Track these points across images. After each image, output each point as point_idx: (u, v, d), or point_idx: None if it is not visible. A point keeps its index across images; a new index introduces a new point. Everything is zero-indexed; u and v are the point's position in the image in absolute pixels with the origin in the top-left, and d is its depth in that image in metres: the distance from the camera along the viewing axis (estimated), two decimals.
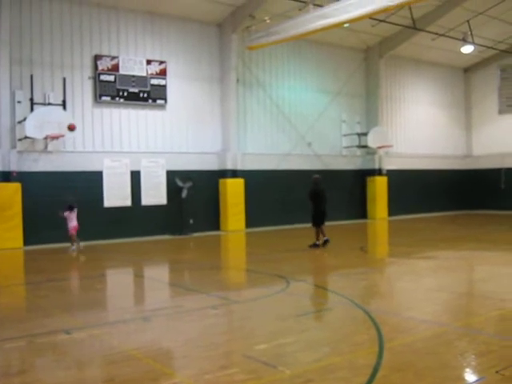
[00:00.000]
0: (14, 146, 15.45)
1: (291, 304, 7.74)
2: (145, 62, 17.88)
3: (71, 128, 15.41)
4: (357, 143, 23.28)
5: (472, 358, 5.11)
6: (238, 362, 5.15)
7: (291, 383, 4.51)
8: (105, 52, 17.22)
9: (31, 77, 15.80)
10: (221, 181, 19.34)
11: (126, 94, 17.41)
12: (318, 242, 13.93)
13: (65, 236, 14.43)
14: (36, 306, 7.96)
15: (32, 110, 15.59)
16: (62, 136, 15.54)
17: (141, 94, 17.72)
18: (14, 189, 15.11)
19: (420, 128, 26.20)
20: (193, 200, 18.38)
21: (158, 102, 18.13)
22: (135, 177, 17.70)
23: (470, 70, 28.26)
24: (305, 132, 21.93)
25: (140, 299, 8.97)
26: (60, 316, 7.21)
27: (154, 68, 18.04)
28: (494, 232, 18.27)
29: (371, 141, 22.76)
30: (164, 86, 18.22)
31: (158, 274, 11.45)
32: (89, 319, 6.96)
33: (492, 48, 24.32)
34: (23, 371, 5.03)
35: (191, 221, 18.54)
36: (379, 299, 8.15)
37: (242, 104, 20.19)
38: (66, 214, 14.19)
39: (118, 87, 17.26)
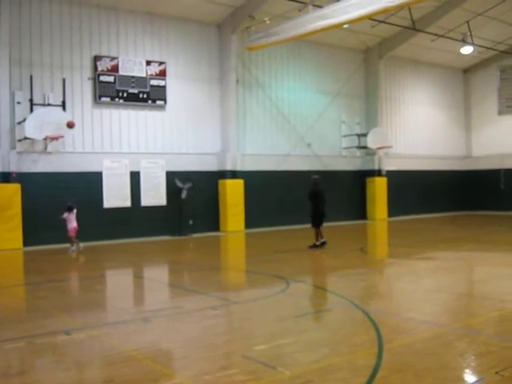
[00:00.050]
0: (13, 147, 15.45)
1: (291, 305, 7.75)
2: (144, 63, 17.88)
3: (70, 125, 15.39)
4: (356, 144, 23.28)
5: (472, 358, 5.11)
6: (237, 362, 5.15)
7: None
8: (104, 53, 17.23)
9: (31, 77, 15.81)
10: (220, 181, 19.34)
11: (125, 94, 17.41)
12: (317, 243, 13.95)
13: (64, 237, 14.43)
14: (36, 307, 7.96)
15: (31, 110, 15.59)
16: (62, 137, 15.56)
17: (140, 95, 17.73)
18: (14, 189, 15.11)
19: (419, 129, 26.19)
20: (192, 201, 18.37)
21: (158, 102, 18.13)
22: (135, 177, 17.69)
23: (469, 70, 28.26)
24: (304, 133, 21.92)
25: (140, 300, 8.97)
26: (60, 317, 7.21)
27: (154, 69, 18.04)
28: (494, 233, 18.27)
29: (371, 141, 22.75)
30: (163, 87, 18.22)
31: (157, 275, 11.46)
32: (88, 320, 6.96)
33: (491, 49, 24.30)
34: (23, 372, 5.04)
35: (191, 221, 18.54)
36: (379, 300, 8.16)
37: (242, 105, 20.19)
38: (65, 215, 14.19)
39: (118, 88, 17.27)
